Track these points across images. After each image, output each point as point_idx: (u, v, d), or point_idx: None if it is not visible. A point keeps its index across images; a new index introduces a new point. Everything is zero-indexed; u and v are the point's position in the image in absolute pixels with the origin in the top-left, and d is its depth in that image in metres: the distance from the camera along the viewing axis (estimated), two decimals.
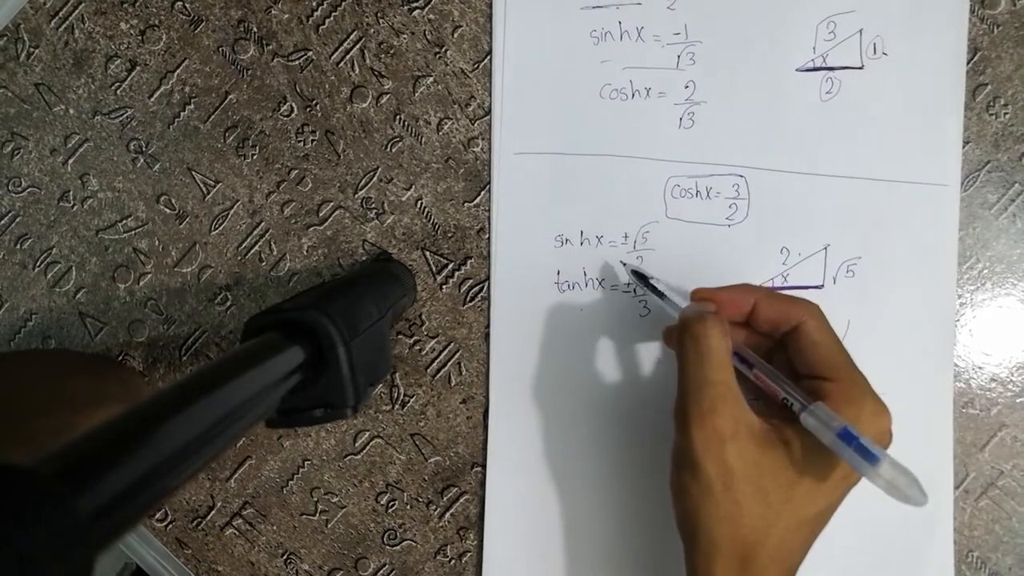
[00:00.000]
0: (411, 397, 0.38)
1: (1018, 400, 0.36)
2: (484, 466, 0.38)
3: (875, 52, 0.35)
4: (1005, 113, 0.36)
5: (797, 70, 0.36)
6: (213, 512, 0.39)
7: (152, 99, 0.38)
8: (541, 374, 0.37)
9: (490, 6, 0.36)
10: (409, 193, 0.38)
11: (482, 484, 0.38)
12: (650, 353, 0.37)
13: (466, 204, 0.38)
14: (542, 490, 0.37)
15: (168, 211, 0.38)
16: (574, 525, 0.37)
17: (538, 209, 0.37)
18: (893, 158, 0.36)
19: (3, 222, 0.39)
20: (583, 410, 0.37)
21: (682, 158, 0.36)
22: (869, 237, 0.36)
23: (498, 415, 0.37)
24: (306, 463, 0.39)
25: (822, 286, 0.36)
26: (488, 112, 0.37)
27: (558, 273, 0.37)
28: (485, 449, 0.38)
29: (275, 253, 0.38)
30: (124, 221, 0.38)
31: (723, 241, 0.36)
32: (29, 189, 0.38)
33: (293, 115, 0.37)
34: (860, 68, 0.35)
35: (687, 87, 0.36)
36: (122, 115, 0.38)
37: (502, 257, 0.37)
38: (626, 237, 0.37)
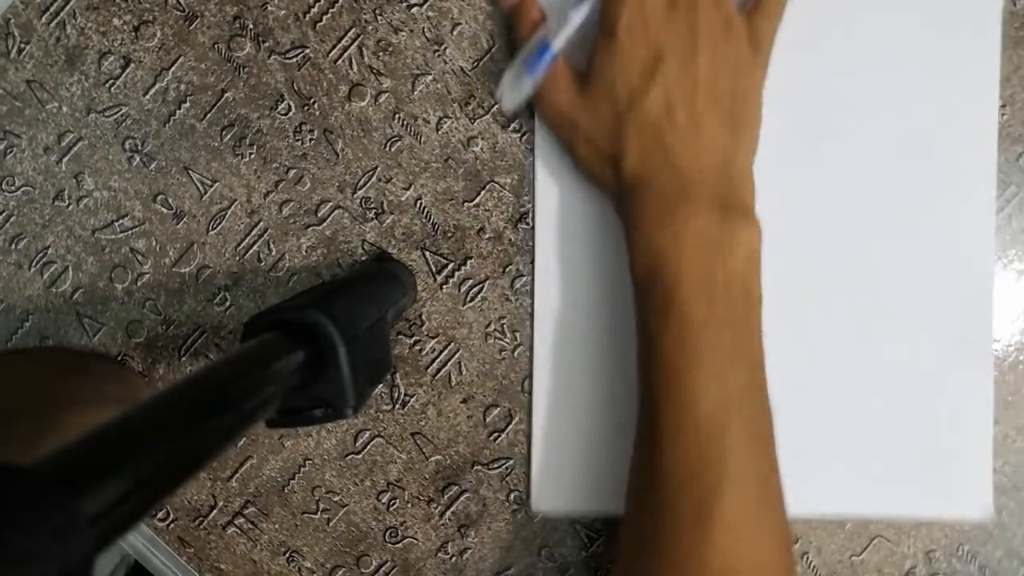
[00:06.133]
0: (411, 397, 0.38)
1: (1009, 398, 0.37)
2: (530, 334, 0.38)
3: None
4: (1003, 114, 0.36)
5: None
6: (215, 511, 0.39)
7: (147, 97, 0.37)
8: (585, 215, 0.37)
9: None
10: (408, 193, 0.37)
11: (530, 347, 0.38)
12: None
13: (466, 204, 0.37)
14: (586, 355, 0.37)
15: (165, 211, 0.38)
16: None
17: None
18: None
19: None
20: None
21: None
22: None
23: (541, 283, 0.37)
24: (307, 462, 0.39)
25: None
26: (488, 111, 0.37)
27: None
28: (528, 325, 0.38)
29: (274, 253, 0.38)
30: (120, 221, 0.38)
31: None
32: (23, 188, 0.38)
33: (291, 114, 0.37)
34: None
35: None
36: (116, 113, 0.37)
37: None
38: None
